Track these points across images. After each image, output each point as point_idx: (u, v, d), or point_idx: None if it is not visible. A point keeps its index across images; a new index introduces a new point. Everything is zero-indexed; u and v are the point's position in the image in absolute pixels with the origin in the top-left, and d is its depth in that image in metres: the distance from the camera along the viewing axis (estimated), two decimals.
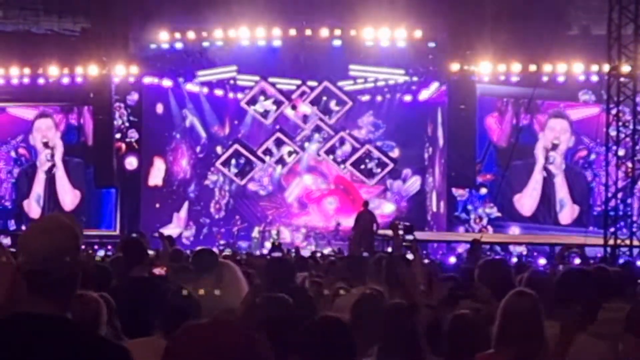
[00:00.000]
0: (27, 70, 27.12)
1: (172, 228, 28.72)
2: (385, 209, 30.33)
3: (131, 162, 28.13)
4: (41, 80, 27.28)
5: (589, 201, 27.26)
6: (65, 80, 27.24)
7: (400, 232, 8.66)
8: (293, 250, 23.52)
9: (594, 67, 25.84)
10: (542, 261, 19.82)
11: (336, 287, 8.88)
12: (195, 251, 8.31)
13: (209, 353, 2.72)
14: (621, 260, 17.92)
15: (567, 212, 27.34)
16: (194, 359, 2.74)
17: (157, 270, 8.66)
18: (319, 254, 21.78)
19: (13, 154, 29.03)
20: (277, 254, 16.49)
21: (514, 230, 27.61)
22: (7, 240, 25.00)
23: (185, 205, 29.98)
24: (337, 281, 9.25)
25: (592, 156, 27.24)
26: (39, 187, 28.70)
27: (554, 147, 27.47)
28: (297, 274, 8.35)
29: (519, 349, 4.81)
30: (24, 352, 3.02)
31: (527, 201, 27.49)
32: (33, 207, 28.63)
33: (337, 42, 27.07)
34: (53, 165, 28.70)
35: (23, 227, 27.75)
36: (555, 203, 27.42)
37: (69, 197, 28.56)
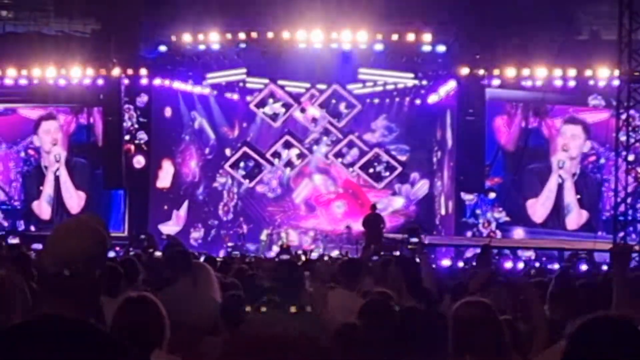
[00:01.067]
0: (37, 72, 27.15)
1: (170, 225, 28.77)
2: (395, 204, 30.36)
3: (139, 161, 28.12)
4: (51, 82, 27.30)
5: (599, 206, 27.20)
6: (75, 82, 27.27)
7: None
8: (301, 252, 23.58)
9: (604, 72, 25.78)
10: (555, 266, 19.80)
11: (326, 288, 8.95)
12: (168, 254, 8.32)
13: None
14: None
15: (574, 217, 27.26)
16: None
17: None
18: (326, 257, 21.82)
19: (23, 154, 29.07)
20: (285, 257, 16.51)
21: (519, 232, 27.56)
22: (15, 240, 25.10)
23: (185, 204, 29.93)
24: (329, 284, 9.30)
25: (602, 161, 27.18)
26: (49, 188, 28.74)
27: (564, 152, 27.40)
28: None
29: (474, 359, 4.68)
30: (47, 354, 3.00)
31: (540, 208, 27.41)
32: (44, 208, 28.69)
33: (346, 45, 27.08)
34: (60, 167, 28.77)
35: (32, 228, 27.88)
36: (563, 208, 27.35)
37: (73, 199, 28.59)
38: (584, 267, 19.15)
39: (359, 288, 8.58)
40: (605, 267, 17.33)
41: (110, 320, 4.54)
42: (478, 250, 17.32)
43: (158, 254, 16.62)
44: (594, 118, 27.26)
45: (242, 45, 27.47)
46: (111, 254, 19.11)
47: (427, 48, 26.76)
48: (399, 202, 30.57)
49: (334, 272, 10.47)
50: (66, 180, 28.68)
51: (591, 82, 26.39)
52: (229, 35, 26.99)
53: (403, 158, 30.49)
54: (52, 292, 3.14)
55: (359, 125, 30.68)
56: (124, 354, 3.13)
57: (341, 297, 8.15)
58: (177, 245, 9.73)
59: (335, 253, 25.03)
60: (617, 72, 21.64)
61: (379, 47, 26.87)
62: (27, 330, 3.12)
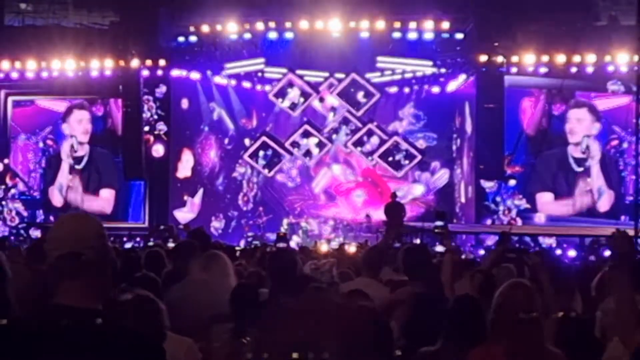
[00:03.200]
0: (56, 64, 27.26)
1: (184, 212, 28.83)
2: (415, 191, 30.34)
3: (158, 150, 28.19)
4: (70, 74, 27.40)
5: (621, 190, 27.12)
6: (94, 74, 27.37)
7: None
8: (323, 241, 23.59)
9: (624, 58, 25.63)
10: (572, 253, 19.72)
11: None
12: (180, 244, 8.35)
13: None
14: None
15: (605, 200, 27.18)
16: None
17: None
18: (346, 246, 21.83)
19: (41, 144, 29.25)
20: (282, 245, 16.44)
21: (540, 217, 27.48)
22: (37, 233, 25.28)
23: (200, 191, 29.96)
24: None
25: (624, 145, 27.07)
26: (63, 178, 28.94)
27: (572, 135, 27.39)
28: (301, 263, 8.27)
29: (513, 341, 4.78)
30: (57, 345, 3.02)
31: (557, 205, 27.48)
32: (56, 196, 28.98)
33: (364, 34, 27.04)
34: (81, 158, 28.89)
35: (51, 218, 28.04)
36: (593, 193, 27.28)
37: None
38: (607, 252, 19.00)
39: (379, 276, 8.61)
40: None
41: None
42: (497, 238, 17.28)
43: (171, 245, 16.67)
44: (612, 103, 27.15)
45: (261, 35, 27.50)
46: (128, 245, 19.25)
47: (445, 36, 26.73)
48: (418, 190, 30.55)
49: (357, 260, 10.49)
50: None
51: (610, 68, 26.24)
52: (247, 25, 27.01)
53: (430, 145, 30.52)
54: (60, 277, 3.17)
55: (384, 113, 30.63)
56: (133, 343, 3.14)
57: (364, 284, 8.15)
58: (198, 234, 9.70)
59: (354, 242, 25.07)
60: (636, 58, 21.48)
61: (397, 35, 26.83)
62: (38, 322, 3.13)
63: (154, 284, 6.88)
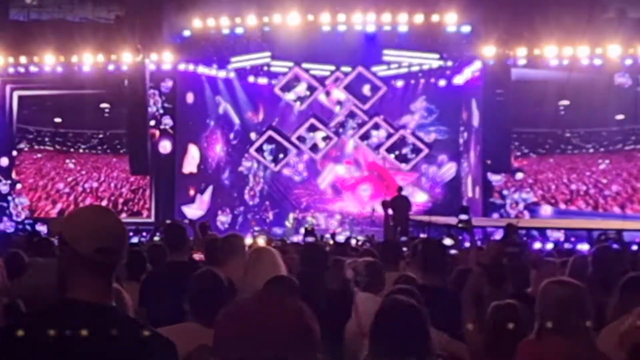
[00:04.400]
0: (62, 58, 27.22)
1: (194, 209, 28.79)
2: (417, 197, 30.20)
3: (165, 146, 28.16)
4: (76, 68, 27.36)
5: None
6: (100, 68, 27.32)
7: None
8: (329, 236, 23.54)
9: (631, 50, 25.51)
10: (585, 246, 19.58)
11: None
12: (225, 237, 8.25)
13: (258, 327, 2.66)
14: None
15: None
16: (243, 334, 2.67)
17: (197, 256, 8.64)
18: (353, 240, 21.79)
19: None
20: (310, 239, 16.50)
21: (546, 209, 27.41)
22: (43, 228, 25.23)
23: (210, 189, 29.92)
24: None
25: None
26: None
27: None
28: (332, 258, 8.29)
29: (562, 338, 4.73)
30: (72, 339, 2.97)
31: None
32: None
33: (370, 27, 26.95)
34: None
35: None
36: None
37: None
38: (614, 246, 18.91)
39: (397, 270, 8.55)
40: (635, 247, 17.13)
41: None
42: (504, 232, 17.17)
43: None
44: None
45: (266, 29, 27.43)
46: (134, 240, 19.22)
47: (451, 29, 26.63)
48: (422, 197, 30.42)
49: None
50: None
51: (618, 61, 26.11)
52: (252, 19, 26.93)
53: (439, 138, 30.44)
54: (86, 273, 3.10)
55: (390, 107, 30.54)
56: (146, 338, 3.10)
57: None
58: (177, 224, 9.58)
59: (361, 237, 25.00)
60: None
61: (403, 28, 26.74)
62: (53, 315, 3.10)
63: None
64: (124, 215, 27.79)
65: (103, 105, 29.26)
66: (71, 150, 30.36)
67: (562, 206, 27.60)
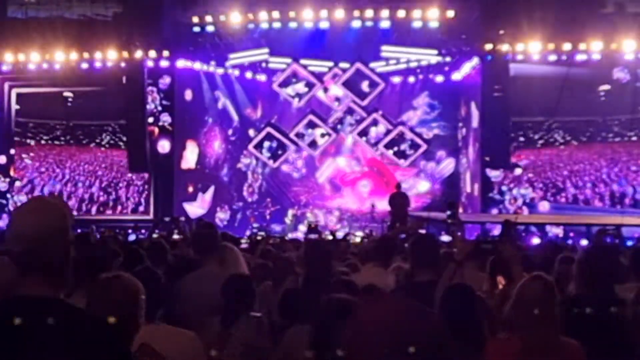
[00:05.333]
0: (60, 56, 27.18)
1: (195, 207, 28.80)
2: (420, 187, 30.24)
3: (163, 146, 28.13)
4: (74, 65, 27.32)
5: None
6: (98, 65, 27.29)
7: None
8: (328, 232, 23.55)
9: (630, 46, 25.49)
10: (584, 242, 19.59)
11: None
12: (195, 235, 8.29)
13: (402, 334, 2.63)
14: None
15: None
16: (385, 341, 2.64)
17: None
18: (352, 237, 21.81)
19: None
20: (313, 236, 16.55)
21: (544, 205, 27.40)
22: None
23: (212, 189, 29.89)
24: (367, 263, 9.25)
25: None
26: None
27: None
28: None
29: (532, 334, 4.80)
30: (19, 335, 3.00)
31: None
32: None
33: (369, 23, 26.94)
34: None
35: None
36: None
37: None
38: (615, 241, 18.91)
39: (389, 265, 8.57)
40: (630, 243, 17.14)
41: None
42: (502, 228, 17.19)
43: (176, 237, 16.66)
44: None
45: (264, 25, 27.41)
46: (132, 237, 19.21)
47: (450, 24, 26.59)
48: (424, 186, 30.44)
49: (366, 249, 10.45)
50: None
51: (616, 56, 26.09)
52: (250, 16, 26.92)
53: (438, 134, 30.42)
54: (21, 271, 3.15)
55: (389, 103, 30.52)
56: (94, 329, 3.11)
57: (373, 273, 8.15)
58: (208, 226, 9.63)
59: (359, 233, 25.02)
60: None
61: (401, 24, 26.72)
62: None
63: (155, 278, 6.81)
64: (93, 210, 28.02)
65: (66, 94, 29.09)
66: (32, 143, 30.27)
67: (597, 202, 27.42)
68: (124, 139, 29.02)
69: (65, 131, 29.94)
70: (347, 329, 2.70)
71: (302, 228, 28.02)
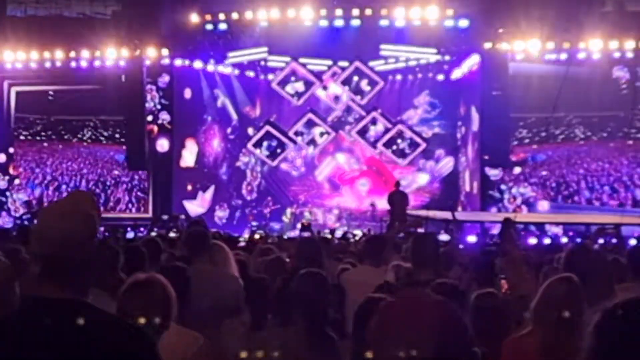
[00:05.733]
0: (59, 54, 27.18)
1: (196, 205, 28.79)
2: (420, 180, 30.23)
3: (162, 145, 28.14)
4: (73, 64, 27.32)
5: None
6: (97, 63, 27.28)
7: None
8: (327, 231, 23.52)
9: (630, 44, 25.48)
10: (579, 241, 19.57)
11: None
12: (187, 234, 8.30)
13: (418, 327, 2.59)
14: None
15: None
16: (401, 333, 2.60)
17: None
18: (350, 235, 21.77)
19: None
20: (306, 234, 16.57)
21: (543, 205, 27.38)
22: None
23: (212, 188, 29.86)
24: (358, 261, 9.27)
25: None
26: None
27: None
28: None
29: (552, 333, 4.78)
30: (46, 337, 2.97)
31: None
32: None
33: (368, 22, 26.91)
34: None
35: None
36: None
37: None
38: (613, 240, 18.89)
39: (385, 264, 8.55)
40: (634, 241, 17.09)
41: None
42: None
43: (173, 234, 16.66)
44: None
45: (264, 24, 27.38)
46: (130, 235, 19.18)
47: (449, 23, 26.57)
48: (423, 179, 30.43)
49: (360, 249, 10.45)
50: None
51: (616, 54, 26.08)
52: (250, 14, 26.89)
53: (437, 133, 30.39)
54: (45, 274, 3.11)
55: (388, 101, 30.49)
56: (121, 332, 3.08)
57: (365, 272, 8.14)
58: (199, 225, 9.64)
59: (358, 231, 25.00)
60: None
61: (400, 22, 26.69)
62: (18, 315, 3.10)
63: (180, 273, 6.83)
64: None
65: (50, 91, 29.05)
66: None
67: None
68: (105, 134, 29.02)
69: (46, 126, 29.81)
70: (371, 327, 2.68)
71: (300, 227, 28.02)
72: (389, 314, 2.67)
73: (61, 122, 29.53)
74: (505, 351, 4.98)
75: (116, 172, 29.12)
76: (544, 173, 27.76)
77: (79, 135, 29.40)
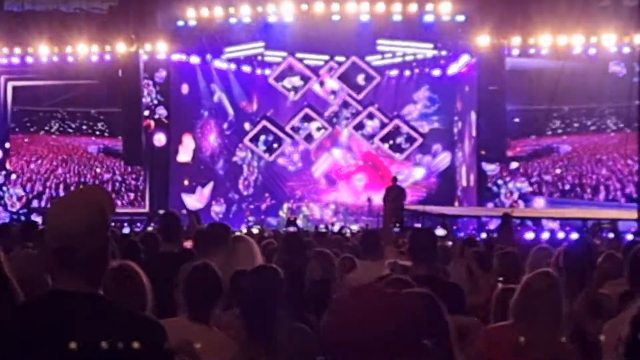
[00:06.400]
0: (56, 49, 27.15)
1: (194, 199, 28.80)
2: (416, 174, 30.24)
3: (160, 139, 28.16)
4: (70, 59, 27.29)
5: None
6: (94, 59, 27.25)
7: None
8: (323, 226, 23.53)
9: (626, 39, 25.47)
10: (574, 236, 19.60)
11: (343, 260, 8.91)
12: (207, 226, 8.28)
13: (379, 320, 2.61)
14: None
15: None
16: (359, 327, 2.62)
17: (187, 244, 8.67)
18: (347, 230, 21.80)
19: None
20: (292, 229, 16.59)
21: (539, 202, 27.40)
22: (38, 219, 25.22)
23: (211, 184, 29.86)
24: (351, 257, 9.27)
25: None
26: None
27: None
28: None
29: (532, 327, 4.84)
30: (60, 330, 2.98)
31: None
32: None
33: (364, 17, 26.89)
34: None
35: None
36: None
37: None
38: (610, 235, 18.91)
39: (383, 258, 8.58)
40: (630, 236, 17.12)
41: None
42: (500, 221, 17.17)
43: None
44: None
45: (260, 19, 27.36)
46: (126, 230, 19.17)
47: (446, 18, 26.55)
48: (419, 173, 30.45)
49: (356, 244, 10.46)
50: None
51: (613, 49, 26.07)
52: (246, 9, 26.87)
53: (433, 128, 30.38)
54: (57, 267, 3.13)
55: (385, 96, 30.48)
56: (135, 324, 3.11)
57: (365, 270, 8.15)
58: (173, 213, 9.54)
59: (355, 226, 25.03)
60: (638, 39, 21.29)
61: (397, 17, 26.68)
62: (34, 307, 3.13)
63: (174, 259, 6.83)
64: None
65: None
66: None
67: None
68: (74, 126, 29.00)
69: (42, 121, 29.77)
70: (326, 325, 2.71)
71: (298, 221, 28.02)
72: (338, 307, 2.71)
73: (55, 116, 29.51)
74: (482, 340, 5.03)
75: (111, 166, 29.15)
76: (558, 171, 27.69)
77: (72, 129, 29.35)
